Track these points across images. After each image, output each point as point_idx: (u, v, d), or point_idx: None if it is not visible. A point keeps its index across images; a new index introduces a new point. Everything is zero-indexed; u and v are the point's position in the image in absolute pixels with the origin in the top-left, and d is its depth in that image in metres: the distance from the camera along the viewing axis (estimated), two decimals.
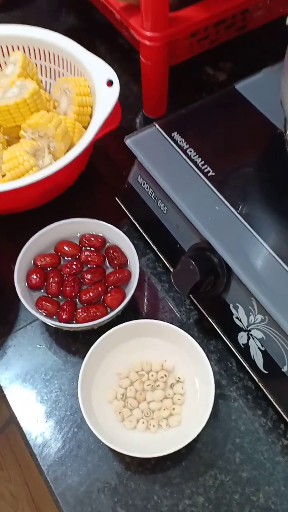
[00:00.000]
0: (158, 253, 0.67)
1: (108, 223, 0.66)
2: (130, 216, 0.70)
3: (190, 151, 0.62)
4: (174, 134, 0.64)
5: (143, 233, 0.69)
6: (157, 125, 0.64)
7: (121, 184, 0.77)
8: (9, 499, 1.46)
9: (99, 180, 0.78)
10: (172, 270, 0.66)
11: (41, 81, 0.79)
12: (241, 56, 0.92)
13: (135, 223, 0.70)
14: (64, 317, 0.60)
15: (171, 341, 0.61)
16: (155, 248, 0.68)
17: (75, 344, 0.64)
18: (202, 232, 0.57)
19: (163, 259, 0.67)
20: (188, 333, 0.64)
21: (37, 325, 0.66)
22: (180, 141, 0.63)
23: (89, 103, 0.72)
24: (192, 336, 0.64)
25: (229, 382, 0.62)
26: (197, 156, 0.62)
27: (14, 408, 0.61)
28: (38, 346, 0.65)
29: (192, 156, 0.62)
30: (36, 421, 0.60)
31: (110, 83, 0.69)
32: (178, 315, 0.67)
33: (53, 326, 0.61)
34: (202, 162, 0.61)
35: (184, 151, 0.62)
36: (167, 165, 0.62)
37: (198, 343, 0.59)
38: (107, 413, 0.58)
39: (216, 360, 0.63)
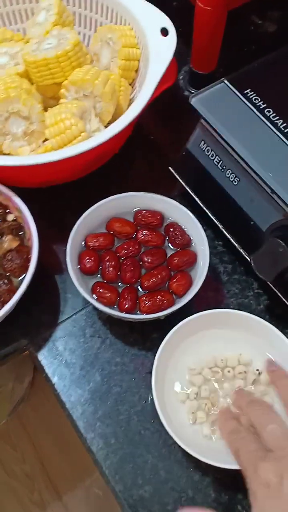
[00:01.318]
0: (224, 231, 0.59)
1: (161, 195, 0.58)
2: (188, 188, 0.61)
3: (269, 111, 0.53)
4: (248, 91, 0.54)
5: (205, 208, 0.60)
6: (227, 81, 0.55)
7: (173, 150, 0.68)
8: (24, 480, 1.41)
9: (146, 146, 0.69)
10: (243, 251, 0.58)
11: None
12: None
13: (194, 196, 0.61)
14: (126, 306, 0.52)
15: (246, 331, 0.54)
16: (220, 226, 0.59)
17: (132, 334, 0.57)
18: None
19: (228, 237, 0.59)
20: None
21: (88, 313, 0.58)
22: (255, 99, 0.54)
23: (137, 56, 0.62)
24: None
25: None
26: (278, 117, 0.53)
27: (71, 410, 0.53)
28: (91, 337, 0.57)
29: (271, 116, 0.53)
30: (95, 424, 0.52)
31: (164, 32, 0.59)
32: (246, 301, 0.59)
33: (115, 316, 0.53)
34: (285, 124, 0.52)
35: (261, 111, 0.53)
36: (241, 128, 0.53)
37: None
38: (180, 413, 0.51)
39: None
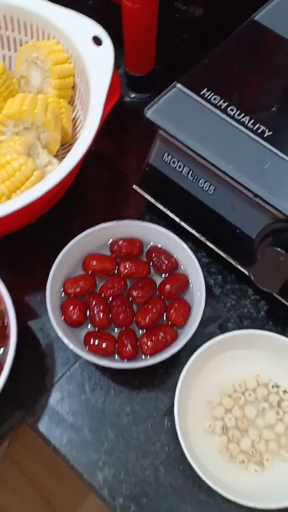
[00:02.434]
0: (208, 243, 0.54)
1: (129, 219, 0.53)
2: (159, 205, 0.56)
3: (232, 110, 0.49)
4: (204, 91, 0.50)
5: (183, 223, 0.55)
6: (180, 85, 0.50)
7: (128, 165, 0.63)
8: None
9: (98, 165, 0.63)
10: (233, 261, 0.53)
11: None
12: None
13: (168, 213, 0.56)
14: (128, 353, 0.47)
15: (258, 349, 0.50)
16: (202, 239, 0.55)
17: (136, 377, 0.52)
18: (281, 207, 0.45)
19: (214, 248, 0.55)
20: (264, 328, 0.54)
21: (82, 365, 0.52)
22: (214, 99, 0.49)
23: (71, 71, 0.56)
24: (269, 330, 0.54)
25: None
26: (242, 114, 0.48)
27: (91, 479, 0.48)
28: (92, 391, 0.51)
29: (235, 115, 0.48)
30: (122, 488, 0.47)
31: (97, 41, 0.53)
32: (245, 310, 0.55)
33: (115, 368, 0.47)
34: (252, 121, 0.48)
35: (224, 111, 0.49)
36: (207, 133, 0.48)
37: None
38: (212, 453, 0.47)
39: None
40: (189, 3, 0.76)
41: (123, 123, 0.67)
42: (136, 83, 0.66)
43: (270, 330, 0.54)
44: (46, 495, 1.33)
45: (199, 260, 0.57)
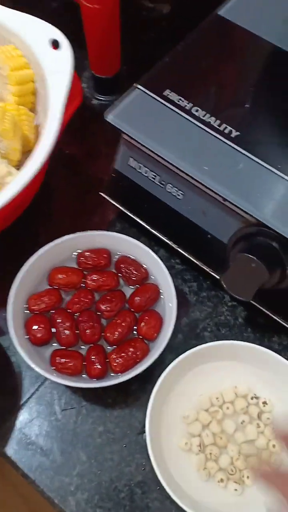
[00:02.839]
0: (180, 251, 0.52)
1: (96, 228, 0.50)
2: (127, 212, 0.54)
3: (196, 110, 0.46)
4: (167, 92, 0.47)
5: (152, 230, 0.53)
6: (140, 86, 0.48)
7: (95, 168, 0.61)
8: None
9: (65, 170, 0.61)
10: (206, 267, 0.51)
11: None
12: None
13: (137, 219, 0.54)
14: (96, 371, 0.45)
15: (234, 360, 0.47)
16: (174, 246, 0.52)
17: (109, 394, 0.49)
18: (251, 212, 0.43)
19: (187, 256, 0.52)
20: (242, 335, 0.52)
21: (52, 384, 0.50)
22: (178, 100, 0.47)
23: (30, 77, 0.53)
24: (247, 338, 0.52)
25: None
26: (207, 114, 0.46)
27: (62, 505, 0.45)
28: (63, 411, 0.49)
29: (200, 116, 0.46)
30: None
31: (55, 44, 0.51)
32: (222, 318, 0.53)
33: (84, 387, 0.45)
34: (218, 122, 0.46)
35: (188, 112, 0.46)
36: (171, 135, 0.46)
37: (258, 344, 0.47)
38: (189, 473, 0.44)
39: None
40: (156, 1, 0.74)
41: (90, 126, 0.65)
42: (102, 85, 0.64)
43: (248, 337, 0.52)
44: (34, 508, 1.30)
45: (172, 267, 0.56)
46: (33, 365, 0.43)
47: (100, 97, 0.65)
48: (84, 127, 0.64)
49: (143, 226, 0.54)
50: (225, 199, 0.44)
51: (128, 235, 0.55)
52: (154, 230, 0.53)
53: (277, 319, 0.49)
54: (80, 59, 0.68)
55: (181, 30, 0.70)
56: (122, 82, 0.66)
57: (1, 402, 0.49)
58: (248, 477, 0.44)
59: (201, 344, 0.51)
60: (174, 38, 0.70)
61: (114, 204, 0.55)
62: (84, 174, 0.61)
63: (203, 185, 0.44)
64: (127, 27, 0.67)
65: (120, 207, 0.54)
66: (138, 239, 0.56)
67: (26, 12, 0.53)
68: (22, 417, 0.48)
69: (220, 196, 0.44)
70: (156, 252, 0.55)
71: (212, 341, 0.51)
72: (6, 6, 0.54)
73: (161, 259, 0.54)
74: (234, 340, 0.48)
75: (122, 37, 0.61)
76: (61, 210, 0.59)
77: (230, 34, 0.51)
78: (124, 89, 0.65)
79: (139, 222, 0.54)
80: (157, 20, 0.73)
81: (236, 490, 0.43)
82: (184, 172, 0.45)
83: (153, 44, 0.71)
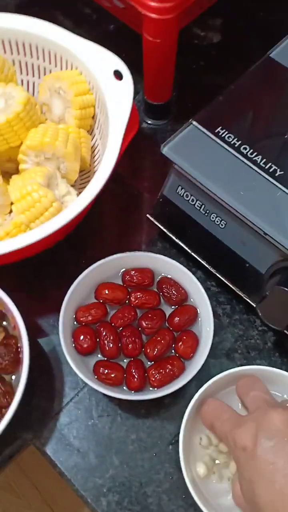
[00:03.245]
0: (218, 275, 0.56)
1: (137, 247, 0.54)
2: (171, 235, 0.57)
3: (245, 148, 0.50)
4: (219, 129, 0.51)
5: (193, 254, 0.57)
6: (195, 123, 0.51)
7: (143, 189, 0.64)
8: None
9: (108, 196, 0.65)
10: (242, 293, 0.54)
11: (20, 81, 0.63)
12: (228, 9, 0.79)
13: (180, 243, 0.57)
14: (135, 383, 0.48)
15: (268, 383, 0.51)
16: (213, 270, 0.56)
17: (143, 405, 0.53)
18: None
19: (224, 280, 0.56)
20: (270, 359, 0.55)
21: (91, 390, 0.53)
22: (228, 137, 0.50)
23: (91, 102, 0.58)
24: (275, 363, 0.55)
25: None
26: (255, 153, 0.50)
27: (94, 504, 0.49)
28: (99, 417, 0.52)
29: (248, 154, 0.50)
30: None
31: (118, 75, 0.55)
32: (252, 341, 0.56)
33: (122, 398, 0.48)
34: (264, 160, 0.49)
35: (237, 149, 0.50)
36: (219, 170, 0.49)
37: (285, 369, 0.50)
38: (218, 483, 0.48)
39: None
40: (207, 29, 0.77)
41: (139, 148, 0.68)
42: (153, 110, 0.68)
43: (275, 361, 0.55)
44: (50, 503, 1.35)
45: (208, 289, 0.59)
46: (79, 373, 0.47)
47: (150, 121, 0.69)
48: (132, 147, 0.68)
49: (183, 248, 0.57)
50: (265, 233, 0.47)
51: (168, 255, 0.59)
52: (194, 254, 0.57)
53: None
54: (134, 82, 0.72)
55: (229, 60, 0.74)
56: (171, 108, 0.69)
57: (43, 404, 0.53)
58: None
59: (232, 364, 0.54)
60: (223, 67, 0.74)
61: (157, 225, 0.59)
62: (129, 193, 0.65)
63: (245, 217, 0.48)
64: (178, 54, 0.71)
65: (165, 230, 0.58)
66: (178, 259, 0.59)
67: (86, 35, 0.57)
68: (62, 419, 0.52)
69: (260, 229, 0.47)
70: (193, 273, 0.59)
71: (242, 362, 0.55)
72: (67, 29, 0.58)
73: (198, 280, 0.58)
74: (262, 363, 0.52)
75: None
76: (108, 226, 0.63)
77: (279, 78, 0.55)
78: (173, 114, 0.69)
79: (179, 244, 0.58)
80: (207, 48, 0.76)
81: None
82: (228, 205, 0.48)
83: (202, 72, 0.74)
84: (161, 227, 0.58)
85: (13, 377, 0.50)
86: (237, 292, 0.55)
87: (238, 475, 0.42)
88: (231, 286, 0.55)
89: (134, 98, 0.71)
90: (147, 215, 0.58)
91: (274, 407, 0.42)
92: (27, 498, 1.38)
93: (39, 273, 0.59)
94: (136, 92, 0.71)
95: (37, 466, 1.35)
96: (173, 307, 0.53)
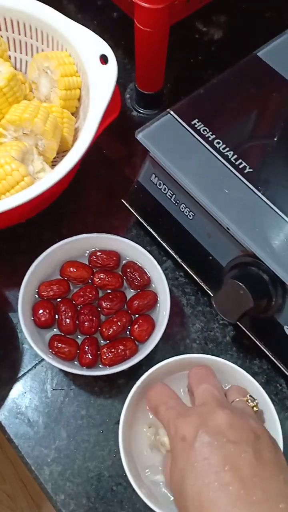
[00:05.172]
0: (183, 264, 0.57)
1: (113, 231, 0.55)
2: (143, 221, 0.59)
3: (218, 143, 0.51)
4: (195, 122, 0.52)
5: (162, 242, 0.58)
6: (172, 113, 0.52)
7: (122, 183, 0.65)
8: (6, 500, 1.38)
9: (93, 179, 0.66)
10: (204, 285, 0.56)
11: (10, 58, 0.64)
12: (234, 6, 0.79)
13: (150, 229, 0.58)
14: (87, 360, 0.50)
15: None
16: (179, 259, 0.57)
17: (97, 383, 0.54)
18: (248, 244, 0.47)
19: (187, 269, 0.57)
20: (226, 354, 0.56)
21: (48, 364, 0.55)
22: (203, 130, 0.51)
23: (78, 84, 0.59)
24: (231, 357, 0.56)
25: (282, 408, 0.54)
26: (227, 148, 0.50)
27: (37, 472, 0.50)
28: (53, 390, 0.54)
29: (220, 148, 0.50)
30: (65, 485, 0.50)
31: (104, 59, 0.56)
32: (212, 334, 0.57)
33: (74, 373, 0.50)
34: (235, 157, 0.50)
35: (210, 143, 0.51)
36: (190, 162, 0.50)
37: (239, 365, 0.51)
38: (156, 465, 0.49)
39: (264, 383, 0.55)
40: (210, 25, 0.78)
41: (128, 135, 0.69)
42: (143, 99, 0.69)
43: (232, 356, 0.56)
44: (24, 479, 1.37)
45: (176, 278, 0.60)
46: (32, 344, 0.49)
47: (140, 110, 0.70)
48: (122, 135, 0.69)
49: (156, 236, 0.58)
50: (227, 227, 0.48)
51: (142, 242, 0.60)
52: (164, 242, 0.58)
53: (259, 344, 0.53)
54: (129, 71, 0.73)
55: (227, 57, 0.75)
56: (164, 99, 0.70)
57: (1, 372, 0.54)
58: None
59: (188, 353, 0.55)
60: (220, 63, 0.74)
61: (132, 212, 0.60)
62: (115, 178, 0.66)
63: (209, 210, 0.49)
64: (176, 47, 0.72)
65: (137, 216, 0.59)
66: (150, 247, 0.61)
67: (89, 20, 0.58)
68: (17, 389, 0.54)
69: (223, 223, 0.48)
70: (164, 262, 0.60)
71: (198, 353, 0.56)
72: (70, 13, 0.59)
73: (166, 270, 0.59)
74: (218, 356, 0.52)
75: (170, 56, 0.65)
76: (88, 208, 0.64)
77: (263, 76, 0.55)
78: (165, 106, 0.70)
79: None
80: (207, 44, 0.77)
81: None
82: (195, 196, 0.49)
83: (199, 67, 0.75)
84: (134, 213, 0.59)
85: None
86: (200, 283, 0.56)
87: (171, 461, 0.43)
88: (194, 277, 0.56)
89: (127, 85, 0.73)
90: (122, 200, 0.59)
91: (222, 407, 0.42)
92: (1, 472, 1.40)
93: (12, 248, 0.60)
94: (130, 80, 0.72)
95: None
96: (134, 291, 0.54)
